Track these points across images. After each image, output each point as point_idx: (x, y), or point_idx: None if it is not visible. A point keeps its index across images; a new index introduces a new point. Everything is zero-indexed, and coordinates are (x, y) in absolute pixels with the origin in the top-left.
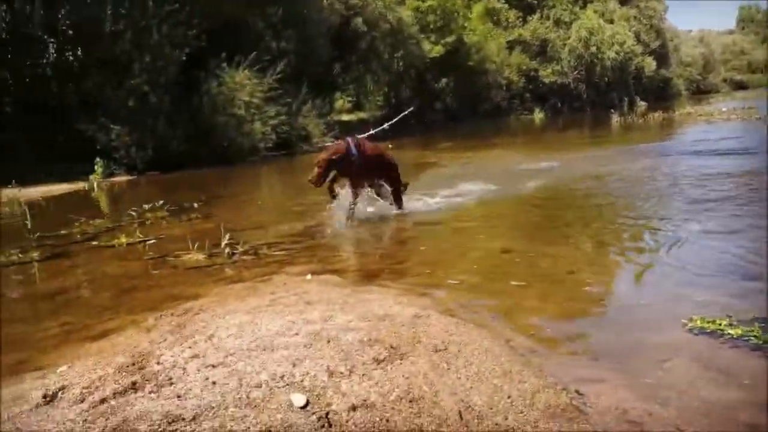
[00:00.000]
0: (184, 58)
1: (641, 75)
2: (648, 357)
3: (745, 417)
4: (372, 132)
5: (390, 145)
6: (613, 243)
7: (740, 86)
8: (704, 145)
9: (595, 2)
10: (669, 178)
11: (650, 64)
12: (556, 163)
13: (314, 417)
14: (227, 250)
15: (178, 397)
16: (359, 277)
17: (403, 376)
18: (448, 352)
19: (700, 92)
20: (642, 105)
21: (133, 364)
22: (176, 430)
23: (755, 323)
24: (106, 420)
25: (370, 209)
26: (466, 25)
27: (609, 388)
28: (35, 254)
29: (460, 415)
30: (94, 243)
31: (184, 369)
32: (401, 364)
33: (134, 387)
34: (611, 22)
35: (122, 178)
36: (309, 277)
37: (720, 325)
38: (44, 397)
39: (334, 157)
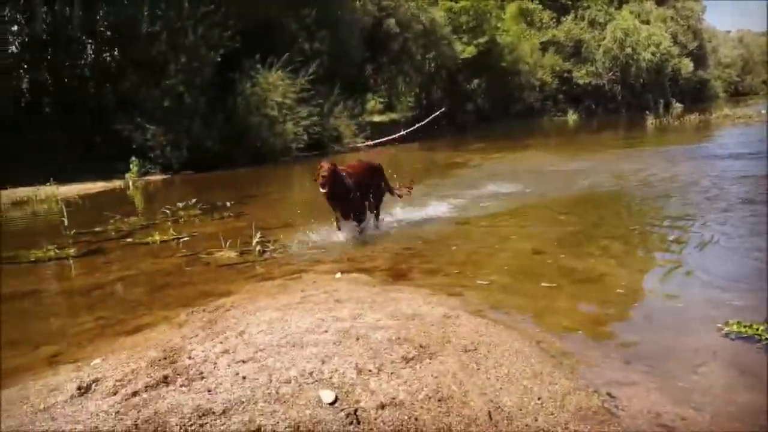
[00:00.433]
0: (219, 59)
1: (677, 76)
2: (682, 361)
3: None
4: (403, 133)
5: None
6: (644, 245)
7: None
8: (742, 148)
9: (631, 3)
10: (705, 180)
11: (687, 65)
12: (588, 165)
13: (343, 414)
14: (258, 248)
15: (209, 391)
16: (388, 276)
17: (432, 375)
18: (477, 353)
19: (739, 94)
20: (678, 107)
21: (165, 359)
22: (206, 423)
23: None
24: (138, 412)
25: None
26: (499, 25)
27: (641, 392)
28: (72, 250)
29: (490, 416)
30: (129, 240)
31: (215, 364)
32: (430, 363)
33: (166, 381)
34: (647, 22)
35: (157, 177)
36: (338, 275)
37: (757, 330)
38: (79, 389)
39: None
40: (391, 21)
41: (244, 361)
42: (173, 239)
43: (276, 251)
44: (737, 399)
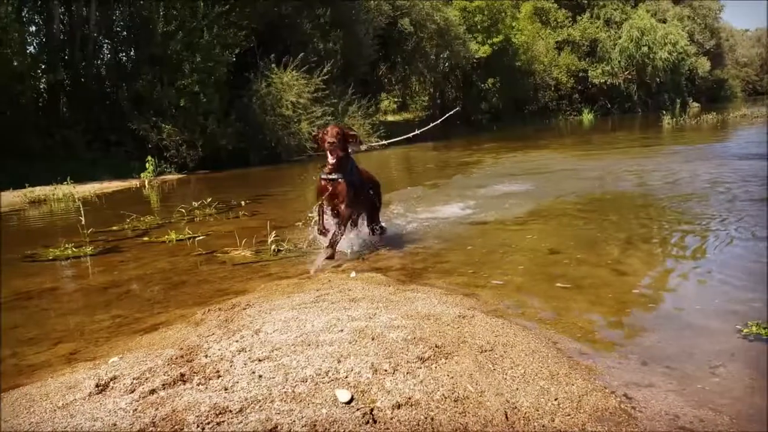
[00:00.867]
0: (233, 58)
1: (694, 76)
2: (701, 362)
3: None
4: (417, 132)
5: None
6: (662, 245)
7: None
8: (761, 148)
9: (647, 1)
10: (724, 180)
11: (704, 64)
12: (604, 164)
13: (359, 413)
14: (273, 246)
15: (225, 389)
16: (403, 275)
17: (447, 375)
18: (493, 353)
19: (757, 93)
20: (695, 106)
21: (182, 357)
22: (224, 421)
23: None
24: (156, 410)
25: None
26: (513, 25)
27: (659, 393)
28: (89, 249)
29: (506, 416)
30: (145, 239)
31: (232, 362)
32: (446, 363)
33: (183, 379)
34: (664, 21)
35: (172, 177)
36: (353, 274)
37: None
38: (97, 386)
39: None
40: (406, 20)
41: (260, 360)
42: (189, 238)
43: (290, 251)
44: (757, 401)
